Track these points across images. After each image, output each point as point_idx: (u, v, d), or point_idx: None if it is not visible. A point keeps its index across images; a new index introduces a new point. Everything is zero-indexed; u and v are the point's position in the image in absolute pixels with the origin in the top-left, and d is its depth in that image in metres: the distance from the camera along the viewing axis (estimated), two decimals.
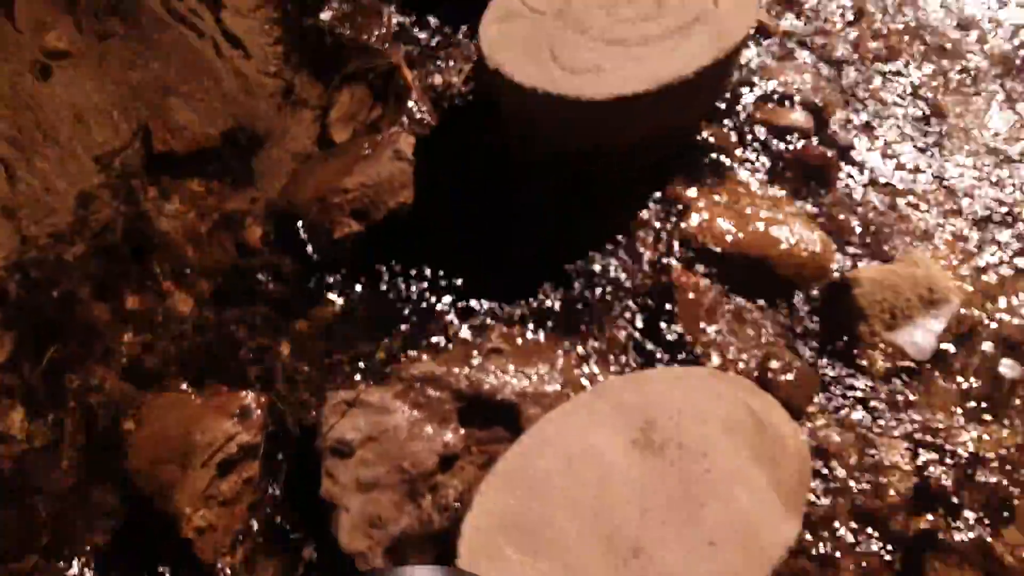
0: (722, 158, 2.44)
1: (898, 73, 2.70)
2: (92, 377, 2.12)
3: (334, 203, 2.33)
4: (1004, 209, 2.37)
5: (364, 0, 2.83)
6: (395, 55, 2.68)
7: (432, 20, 2.83)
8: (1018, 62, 2.72)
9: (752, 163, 2.46)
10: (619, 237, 2.30)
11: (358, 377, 2.10)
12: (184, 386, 2.12)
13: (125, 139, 2.42)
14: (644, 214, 2.34)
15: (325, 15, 2.76)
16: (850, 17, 2.87)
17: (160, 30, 2.54)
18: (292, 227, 2.35)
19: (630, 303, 2.20)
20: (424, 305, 2.24)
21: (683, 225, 2.30)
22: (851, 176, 2.46)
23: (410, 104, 2.58)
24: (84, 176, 2.34)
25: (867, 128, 2.55)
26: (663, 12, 2.31)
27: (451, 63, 2.71)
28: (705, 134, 2.48)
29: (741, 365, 2.08)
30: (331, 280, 2.29)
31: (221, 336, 2.20)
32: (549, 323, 2.18)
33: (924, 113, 2.60)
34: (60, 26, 2.49)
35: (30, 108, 2.35)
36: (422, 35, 2.79)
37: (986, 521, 1.89)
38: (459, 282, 2.27)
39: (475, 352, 2.10)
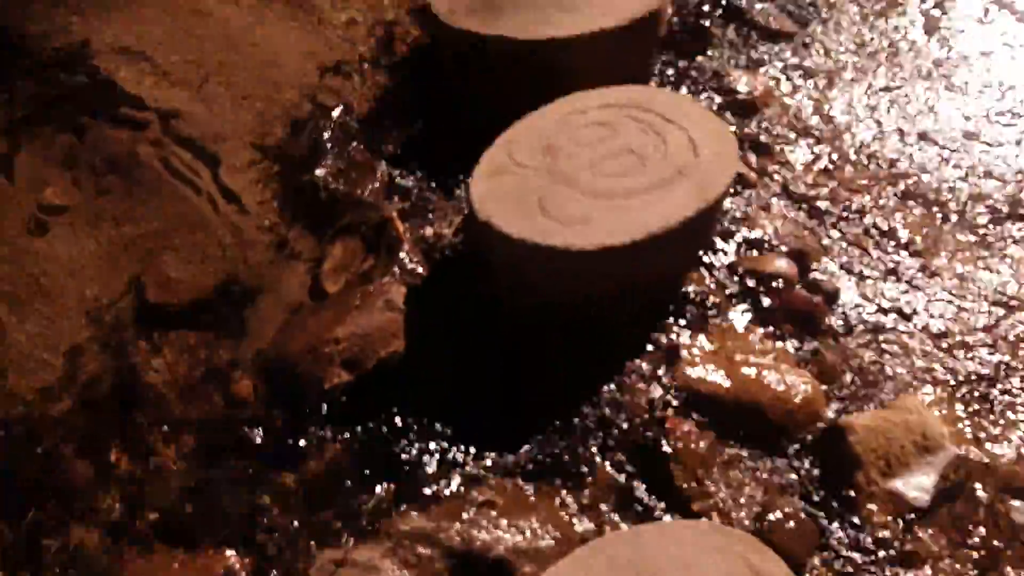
0: (710, 305, 2.47)
1: (878, 219, 2.77)
2: (71, 539, 2.06)
3: (325, 353, 2.33)
4: (996, 356, 2.38)
5: (358, 156, 2.93)
6: (387, 208, 2.75)
7: (423, 174, 2.92)
8: (1001, 208, 2.80)
9: (739, 309, 2.49)
10: (610, 385, 2.30)
11: (346, 535, 2.04)
12: (167, 546, 2.05)
13: (117, 292, 2.43)
14: (634, 361, 2.35)
15: (320, 171, 2.85)
16: (828, 166, 2.96)
17: (157, 186, 2.60)
18: (282, 378, 2.34)
19: (624, 452, 2.17)
20: (414, 457, 2.21)
21: (673, 372, 2.30)
22: (838, 321, 2.48)
23: (402, 255, 2.63)
24: (75, 330, 2.33)
25: (852, 274, 2.60)
26: (647, 166, 2.39)
27: (442, 216, 2.78)
28: (692, 282, 2.52)
29: (738, 516, 2.04)
30: (320, 432, 2.26)
31: (206, 492, 2.15)
32: (542, 474, 2.14)
33: (909, 258, 2.65)
34: (58, 183, 2.55)
35: (25, 263, 2.37)
36: (414, 189, 2.88)
37: None
38: (449, 432, 2.25)
39: (467, 505, 2.05)
